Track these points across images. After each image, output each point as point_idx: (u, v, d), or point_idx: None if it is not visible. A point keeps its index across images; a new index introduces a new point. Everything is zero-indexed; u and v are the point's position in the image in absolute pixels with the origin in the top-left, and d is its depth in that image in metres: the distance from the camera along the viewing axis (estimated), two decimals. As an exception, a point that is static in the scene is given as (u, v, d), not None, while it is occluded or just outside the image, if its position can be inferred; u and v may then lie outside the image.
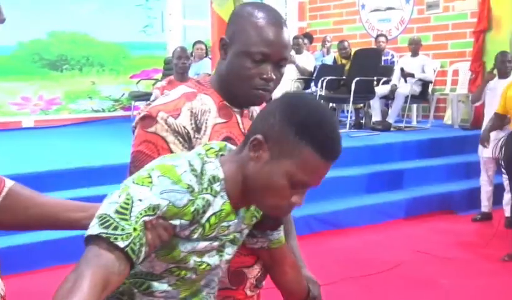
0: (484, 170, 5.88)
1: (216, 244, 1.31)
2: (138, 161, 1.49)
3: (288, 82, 8.59)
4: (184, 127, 1.50)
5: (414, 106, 9.21)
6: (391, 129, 8.29)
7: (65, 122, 9.71)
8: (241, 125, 1.63)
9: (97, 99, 10.16)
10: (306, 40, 9.74)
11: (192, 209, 1.21)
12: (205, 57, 8.77)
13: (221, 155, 1.31)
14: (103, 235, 1.10)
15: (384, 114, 8.72)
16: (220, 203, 1.27)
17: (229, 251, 1.37)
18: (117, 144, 7.08)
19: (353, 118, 8.69)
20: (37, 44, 9.68)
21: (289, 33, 1.59)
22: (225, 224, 1.30)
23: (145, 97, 8.83)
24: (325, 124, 1.25)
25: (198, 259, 1.29)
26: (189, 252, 1.26)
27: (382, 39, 9.30)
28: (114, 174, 5.09)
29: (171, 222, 1.19)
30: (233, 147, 1.35)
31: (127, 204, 1.13)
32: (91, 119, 9.95)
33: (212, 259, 1.33)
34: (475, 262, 4.82)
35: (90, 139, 7.94)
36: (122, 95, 10.25)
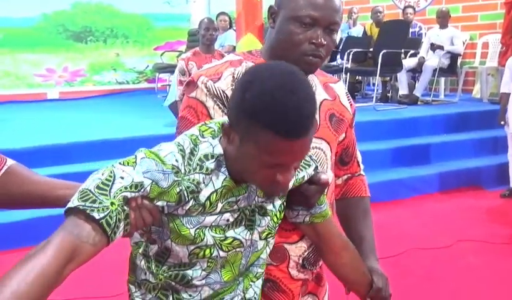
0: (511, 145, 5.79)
1: (229, 217, 1.27)
2: (182, 127, 1.49)
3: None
4: (223, 91, 1.48)
5: (442, 79, 9.06)
6: (418, 102, 8.17)
7: (89, 94, 9.74)
8: None
9: (121, 71, 10.15)
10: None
11: (177, 190, 1.18)
12: (229, 28, 8.68)
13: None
14: (81, 207, 1.10)
15: (411, 87, 8.59)
16: (220, 180, 1.23)
17: (261, 223, 1.32)
18: (141, 116, 7.09)
19: (380, 91, 8.58)
20: (61, 15, 9.67)
21: None
22: (232, 199, 1.26)
23: (169, 69, 8.79)
24: (277, 101, 1.10)
25: (218, 235, 1.26)
26: (198, 227, 1.23)
27: (410, 10, 9.11)
28: (138, 146, 5.08)
29: (157, 203, 1.18)
30: None
31: (109, 180, 1.13)
32: (115, 91, 9.96)
33: (241, 234, 1.29)
34: (501, 240, 4.73)
35: (114, 111, 7.95)
36: (146, 68, 10.24)
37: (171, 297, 1.29)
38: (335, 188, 1.73)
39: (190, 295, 1.29)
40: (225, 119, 1.28)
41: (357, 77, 9.17)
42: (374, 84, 8.35)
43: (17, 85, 9.42)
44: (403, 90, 8.41)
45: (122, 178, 1.14)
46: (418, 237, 4.72)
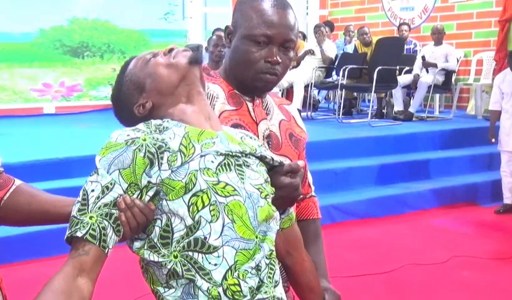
0: (504, 161, 5.84)
1: (213, 158, 1.26)
2: None
3: (310, 71, 8.53)
4: None
5: (437, 96, 9.11)
6: (413, 119, 8.21)
7: (86, 108, 9.74)
8: (252, 114, 1.60)
9: (118, 86, 10.18)
10: (327, 29, 9.66)
11: (141, 154, 1.21)
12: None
13: None
14: (68, 235, 1.20)
15: (407, 103, 8.64)
16: (181, 129, 1.28)
17: (252, 176, 1.30)
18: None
19: (375, 107, 8.62)
20: (58, 30, 9.71)
21: (294, 15, 1.56)
22: (207, 140, 1.28)
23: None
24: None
25: (211, 178, 1.23)
26: (187, 174, 1.22)
27: (405, 27, 9.19)
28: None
29: (143, 182, 1.21)
30: None
31: (84, 199, 1.21)
32: (112, 106, 9.97)
33: (233, 180, 1.26)
34: (495, 255, 4.75)
35: (110, 126, 7.86)
36: (143, 83, 10.26)
37: (198, 276, 1.22)
38: None
39: (215, 265, 1.22)
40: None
41: (352, 94, 9.22)
42: (369, 100, 8.40)
43: (14, 100, 9.43)
44: (398, 106, 8.45)
45: (93, 190, 1.21)
46: (413, 252, 4.72)
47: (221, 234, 1.23)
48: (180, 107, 1.34)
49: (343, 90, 8.24)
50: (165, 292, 1.26)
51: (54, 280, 1.15)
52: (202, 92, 1.37)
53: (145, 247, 1.25)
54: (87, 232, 1.18)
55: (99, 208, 1.19)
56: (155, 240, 1.24)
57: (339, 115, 8.17)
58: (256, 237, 1.28)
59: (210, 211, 1.22)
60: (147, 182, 1.21)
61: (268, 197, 1.33)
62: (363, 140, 6.63)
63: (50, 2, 9.20)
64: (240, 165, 1.30)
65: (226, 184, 1.25)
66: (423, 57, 8.37)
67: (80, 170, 4.95)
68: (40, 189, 1.45)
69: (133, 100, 1.37)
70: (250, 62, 1.51)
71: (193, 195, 1.22)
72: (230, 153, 1.29)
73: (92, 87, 10.03)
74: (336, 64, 8.82)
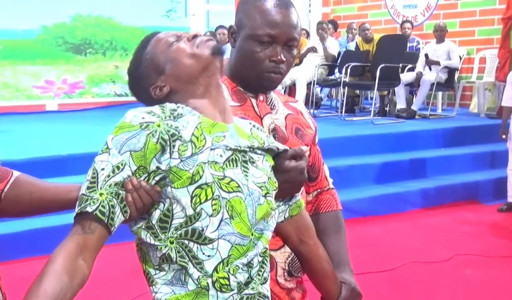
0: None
1: (221, 153, 1.27)
2: None
3: (312, 68, 8.52)
4: None
5: (440, 94, 9.10)
6: (416, 116, 8.20)
7: (88, 106, 9.76)
8: (256, 109, 1.63)
9: (120, 83, 10.18)
10: (330, 26, 9.65)
11: (154, 140, 1.21)
12: (228, 42, 8.72)
13: None
14: (78, 211, 1.20)
15: (409, 101, 8.63)
16: (195, 118, 1.28)
17: (256, 174, 1.32)
18: (139, 129, 7.10)
19: (378, 105, 8.61)
20: (61, 27, 9.71)
21: (297, 14, 1.59)
22: (219, 133, 1.29)
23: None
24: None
25: (217, 172, 1.25)
26: (195, 165, 1.23)
27: (407, 25, 9.17)
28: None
29: (152, 167, 1.22)
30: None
31: (94, 177, 1.21)
32: (114, 103, 9.97)
33: (238, 176, 1.28)
34: (498, 254, 4.74)
35: (113, 123, 7.86)
36: (145, 80, 10.26)
37: (190, 264, 1.24)
38: (307, 204, 1.74)
39: (209, 256, 1.24)
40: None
41: (355, 91, 9.21)
42: (372, 98, 8.39)
43: (17, 97, 9.44)
44: (400, 104, 8.44)
45: (103, 169, 1.21)
46: (415, 250, 4.72)
47: (218, 228, 1.25)
48: (197, 96, 1.33)
49: (346, 87, 8.24)
50: (155, 274, 1.28)
51: (56, 259, 1.15)
52: (220, 83, 1.38)
53: (143, 227, 1.26)
54: (97, 208, 1.19)
55: (110, 186, 1.20)
56: (154, 222, 1.25)
57: (341, 112, 8.16)
58: (252, 235, 1.30)
59: (212, 205, 1.24)
60: (155, 168, 1.22)
61: (268, 195, 1.34)
62: (365, 138, 6.63)
63: (53, -1, 9.21)
64: (245, 162, 1.31)
65: (231, 180, 1.27)
66: (426, 55, 8.36)
67: (82, 168, 4.94)
68: (39, 179, 1.46)
69: (150, 81, 1.36)
70: (255, 61, 1.54)
71: (198, 187, 1.23)
72: (239, 148, 1.31)
73: (94, 84, 10.04)
74: (338, 61, 8.82)
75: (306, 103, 8.37)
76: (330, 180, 1.83)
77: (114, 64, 10.12)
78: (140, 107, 1.28)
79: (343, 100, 8.37)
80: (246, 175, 1.30)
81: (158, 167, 1.22)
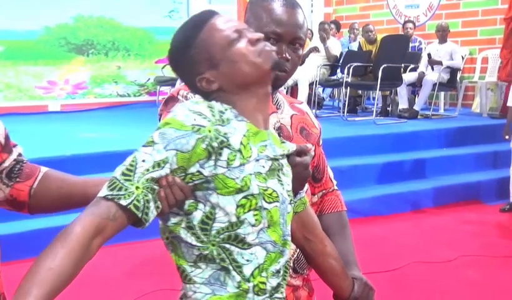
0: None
1: (264, 163, 1.29)
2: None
3: (314, 68, 8.52)
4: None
5: (442, 94, 9.10)
6: (418, 116, 8.20)
7: (91, 106, 9.76)
8: None
9: (123, 84, 10.19)
10: (333, 26, 9.65)
11: (203, 146, 1.20)
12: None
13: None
14: (109, 196, 1.17)
15: (411, 101, 8.63)
16: (242, 125, 1.27)
17: (286, 182, 1.34)
18: (142, 129, 7.09)
19: (380, 105, 8.61)
20: (63, 28, 9.73)
21: (303, 14, 1.61)
22: (262, 143, 1.30)
23: (171, 82, 8.83)
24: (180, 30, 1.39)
25: (262, 183, 1.27)
26: (242, 176, 1.24)
27: (410, 25, 9.17)
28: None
29: (191, 170, 1.21)
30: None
31: (132, 165, 1.19)
32: (117, 104, 9.99)
33: (276, 186, 1.30)
34: (501, 254, 4.74)
35: (115, 123, 7.97)
36: (148, 80, 10.27)
37: (231, 267, 1.26)
38: (312, 206, 1.75)
39: (247, 260, 1.27)
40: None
41: (357, 91, 9.21)
42: (374, 98, 8.38)
43: (19, 98, 9.46)
44: (403, 104, 8.43)
45: (144, 161, 1.19)
46: (417, 250, 4.72)
47: (257, 236, 1.28)
48: (246, 102, 1.31)
49: (348, 88, 8.24)
50: (192, 271, 1.28)
51: (71, 235, 1.13)
52: (270, 93, 1.37)
53: (183, 226, 1.26)
54: (131, 201, 1.17)
55: (147, 180, 1.18)
56: (195, 223, 1.25)
57: (344, 113, 8.17)
58: (281, 242, 1.33)
59: (254, 215, 1.26)
60: (196, 171, 1.21)
61: (292, 202, 1.38)
62: (367, 138, 6.63)
63: (55, 0, 9.21)
64: (279, 170, 1.34)
65: (273, 191, 1.29)
66: (429, 55, 8.36)
67: (85, 168, 4.96)
68: (67, 173, 1.45)
69: (199, 69, 1.31)
70: None
71: (244, 197, 1.24)
72: (276, 157, 1.33)
73: (97, 84, 10.05)
74: (340, 61, 8.81)
75: (308, 103, 8.36)
76: (334, 182, 1.86)
77: (116, 64, 10.12)
78: (188, 104, 1.25)
79: (345, 101, 8.37)
80: (282, 185, 1.33)
81: (199, 172, 1.21)
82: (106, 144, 5.77)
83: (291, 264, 1.63)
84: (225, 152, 1.22)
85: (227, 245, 1.26)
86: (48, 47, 9.63)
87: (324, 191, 1.80)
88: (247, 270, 1.27)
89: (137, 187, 1.18)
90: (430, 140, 7.00)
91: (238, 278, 1.27)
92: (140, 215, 1.18)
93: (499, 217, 5.76)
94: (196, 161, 1.21)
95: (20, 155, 1.45)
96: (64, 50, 9.78)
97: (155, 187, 1.19)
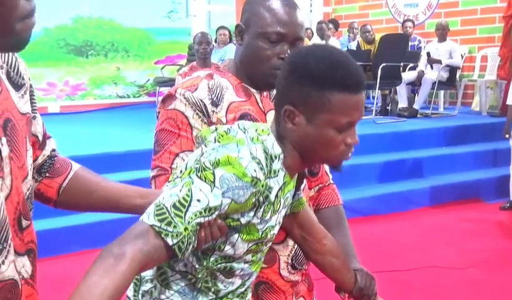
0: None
1: (284, 213, 1.36)
2: (160, 139, 1.56)
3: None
4: (201, 100, 1.55)
5: (442, 92, 9.09)
6: (418, 115, 8.20)
7: (90, 107, 9.77)
8: (260, 104, 1.66)
9: (122, 85, 10.19)
10: (331, 26, 9.64)
11: (253, 200, 1.21)
12: (229, 42, 8.73)
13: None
14: (156, 228, 1.13)
15: (411, 100, 8.63)
16: (281, 176, 1.28)
17: (280, 218, 1.37)
18: (141, 130, 7.11)
19: (379, 104, 8.61)
20: (62, 29, 9.73)
21: (302, 14, 1.64)
22: (287, 195, 1.33)
23: (170, 82, 8.83)
24: (337, 62, 1.24)
25: (273, 231, 1.33)
26: (265, 227, 1.28)
27: (409, 24, 9.17)
28: (139, 160, 5.14)
29: (232, 216, 1.22)
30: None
31: (186, 200, 1.15)
32: (116, 105, 9.99)
33: (275, 227, 1.35)
34: (502, 253, 4.74)
35: (115, 124, 7.97)
36: (147, 81, 10.28)
37: (211, 289, 1.32)
38: (309, 200, 1.78)
39: (225, 287, 1.33)
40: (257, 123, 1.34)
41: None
42: (373, 97, 8.38)
43: (18, 99, 9.46)
44: (402, 103, 8.44)
45: (199, 200, 1.15)
46: (417, 250, 4.72)
47: (243, 269, 1.34)
48: (295, 160, 1.30)
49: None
50: (172, 276, 1.32)
51: (118, 273, 1.06)
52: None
53: None
54: (177, 242, 1.14)
55: (196, 224, 1.16)
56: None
57: (343, 112, 8.14)
58: (257, 271, 1.40)
59: (252, 256, 1.33)
60: (237, 218, 1.23)
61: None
62: (367, 137, 6.61)
63: (54, 1, 9.21)
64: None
65: (275, 233, 1.35)
66: (428, 53, 8.35)
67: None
68: (97, 174, 1.43)
69: (301, 106, 1.25)
70: (264, 58, 1.58)
71: (255, 243, 1.30)
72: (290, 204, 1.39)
73: (96, 86, 10.05)
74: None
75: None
76: (330, 176, 1.87)
77: (116, 65, 10.13)
78: (250, 143, 1.23)
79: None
80: (279, 224, 1.37)
81: (238, 219, 1.23)
82: (106, 145, 5.77)
83: (289, 261, 1.65)
84: (264, 205, 1.25)
85: (217, 273, 1.30)
86: (47, 48, 9.64)
87: (320, 185, 1.81)
88: (221, 293, 1.34)
89: (186, 228, 1.15)
90: (430, 138, 7.00)
91: (211, 296, 1.33)
92: (180, 256, 1.16)
93: (499, 215, 5.76)
94: (241, 211, 1.22)
95: (53, 150, 1.43)
96: (63, 52, 9.79)
97: (198, 228, 1.19)
